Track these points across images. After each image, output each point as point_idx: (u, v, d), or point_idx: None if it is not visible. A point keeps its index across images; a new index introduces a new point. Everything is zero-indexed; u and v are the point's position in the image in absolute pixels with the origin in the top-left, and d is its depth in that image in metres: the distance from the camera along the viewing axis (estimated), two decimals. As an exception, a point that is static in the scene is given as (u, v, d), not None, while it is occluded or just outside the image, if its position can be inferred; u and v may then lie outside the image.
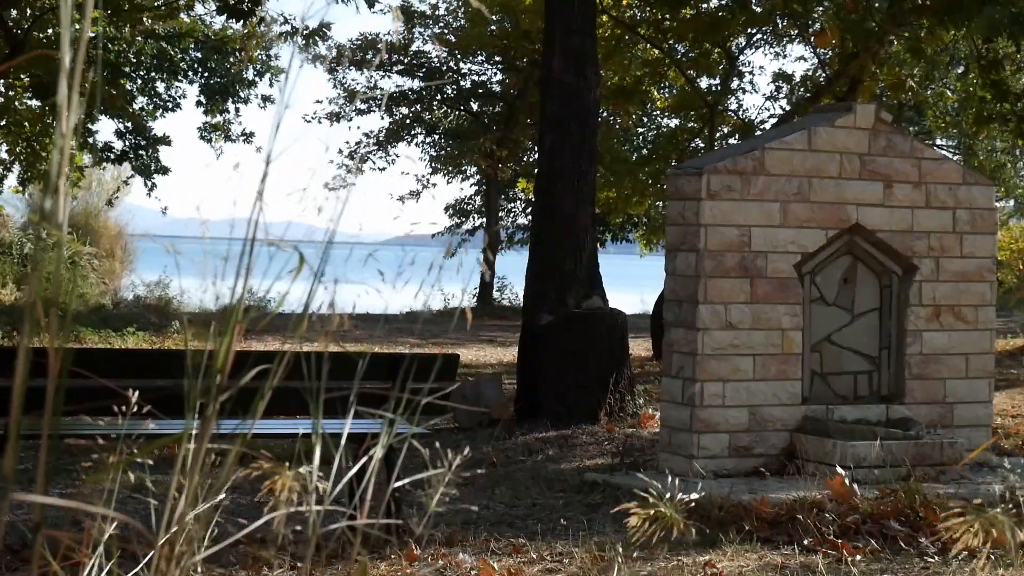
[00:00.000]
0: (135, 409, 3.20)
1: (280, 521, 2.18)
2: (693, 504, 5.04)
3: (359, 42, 30.29)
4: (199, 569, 2.13)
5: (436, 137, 33.44)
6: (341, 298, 2.28)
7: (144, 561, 2.66)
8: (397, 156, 32.65)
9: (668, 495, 4.37)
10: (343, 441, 2.51)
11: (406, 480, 2.53)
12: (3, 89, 22.13)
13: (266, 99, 24.93)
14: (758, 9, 17.68)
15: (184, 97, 25.07)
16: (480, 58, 30.98)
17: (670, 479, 5.48)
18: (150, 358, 8.74)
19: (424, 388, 2.52)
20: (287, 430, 7.09)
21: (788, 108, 21.37)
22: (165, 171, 24.71)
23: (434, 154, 33.62)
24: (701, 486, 6.61)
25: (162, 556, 2.02)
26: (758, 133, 19.39)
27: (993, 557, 6.79)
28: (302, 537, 2.33)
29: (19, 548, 6.63)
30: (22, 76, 21.72)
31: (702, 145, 21.03)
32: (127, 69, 22.96)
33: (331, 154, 32.41)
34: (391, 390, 2.47)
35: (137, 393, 3.24)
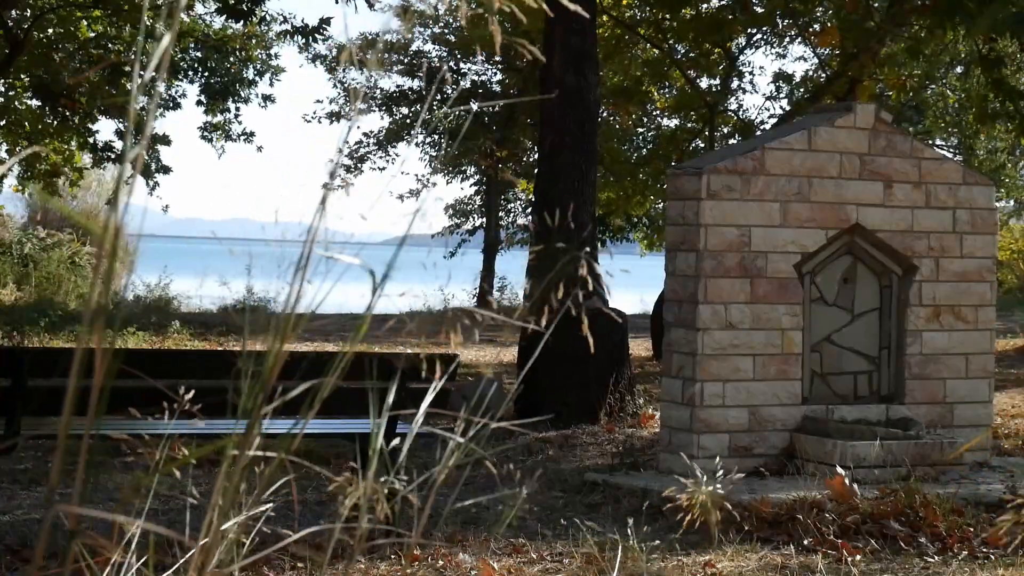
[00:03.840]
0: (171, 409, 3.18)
1: (337, 529, 2.18)
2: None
3: (359, 42, 30.30)
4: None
5: (436, 137, 33.43)
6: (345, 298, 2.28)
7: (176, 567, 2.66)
8: (397, 155, 32.64)
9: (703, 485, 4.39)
10: (409, 443, 2.51)
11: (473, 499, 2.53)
12: (3, 89, 22.13)
13: (267, 99, 24.92)
14: (759, 9, 17.68)
15: (184, 96, 25.05)
16: (480, 58, 30.97)
17: (667, 484, 5.48)
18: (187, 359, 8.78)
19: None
20: (322, 430, 7.12)
21: (788, 108, 21.36)
22: (167, 170, 24.69)
23: (434, 154, 33.60)
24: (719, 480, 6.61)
25: (197, 562, 2.01)
26: (758, 133, 19.39)
27: (993, 556, 6.79)
28: (300, 539, 2.32)
29: (19, 548, 6.62)
30: (22, 76, 21.72)
31: (702, 145, 21.02)
32: (127, 68, 22.96)
33: (331, 154, 32.37)
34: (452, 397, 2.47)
35: (192, 392, 3.19)
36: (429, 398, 2.41)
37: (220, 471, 2.00)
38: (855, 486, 7.47)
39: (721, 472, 4.87)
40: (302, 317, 2.04)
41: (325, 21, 18.66)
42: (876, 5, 15.62)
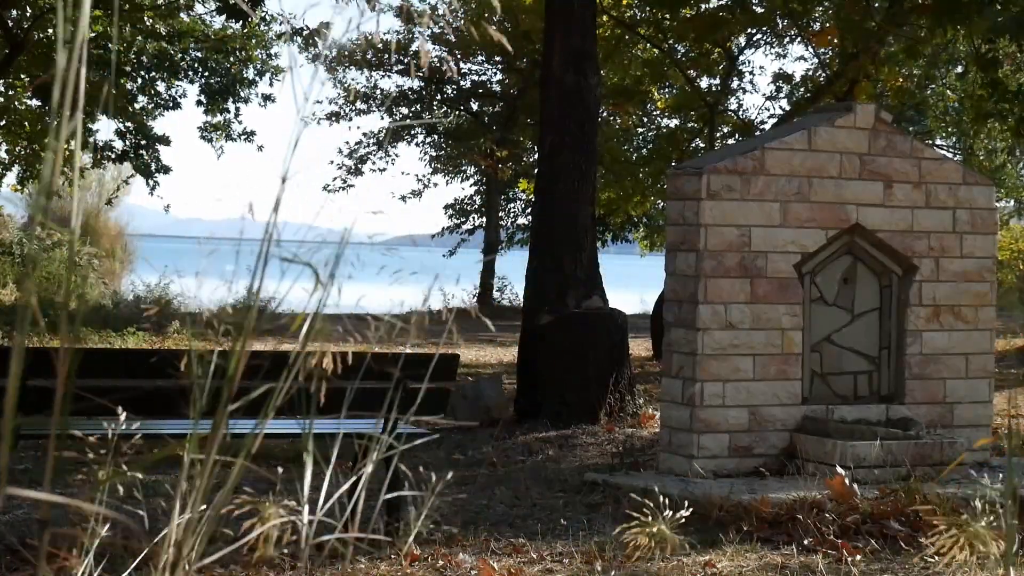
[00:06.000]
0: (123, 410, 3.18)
1: (270, 544, 2.18)
2: (693, 506, 5.05)
3: (359, 42, 30.31)
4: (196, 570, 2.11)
5: (436, 137, 33.44)
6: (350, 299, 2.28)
7: (134, 564, 2.66)
8: (397, 156, 32.69)
9: (664, 511, 4.39)
10: (367, 446, 2.50)
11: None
12: (3, 89, 22.13)
13: (266, 98, 24.93)
14: (759, 9, 17.68)
15: (184, 96, 25.06)
16: (480, 58, 30.99)
17: (667, 484, 5.49)
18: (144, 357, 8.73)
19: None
20: (287, 430, 7.09)
21: (788, 108, 21.36)
22: (167, 170, 24.70)
23: (434, 154, 33.63)
24: (705, 484, 6.62)
25: (162, 560, 2.01)
26: (758, 133, 19.39)
27: (994, 556, 6.78)
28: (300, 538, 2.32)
29: (18, 548, 6.62)
30: (22, 76, 21.73)
31: (702, 145, 21.03)
32: (128, 69, 22.97)
33: (331, 154, 32.44)
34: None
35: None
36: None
37: (182, 469, 2.00)
38: (855, 486, 7.47)
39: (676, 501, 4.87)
40: (294, 317, 2.04)
41: (324, 25, 18.65)
42: (876, 5, 15.62)
